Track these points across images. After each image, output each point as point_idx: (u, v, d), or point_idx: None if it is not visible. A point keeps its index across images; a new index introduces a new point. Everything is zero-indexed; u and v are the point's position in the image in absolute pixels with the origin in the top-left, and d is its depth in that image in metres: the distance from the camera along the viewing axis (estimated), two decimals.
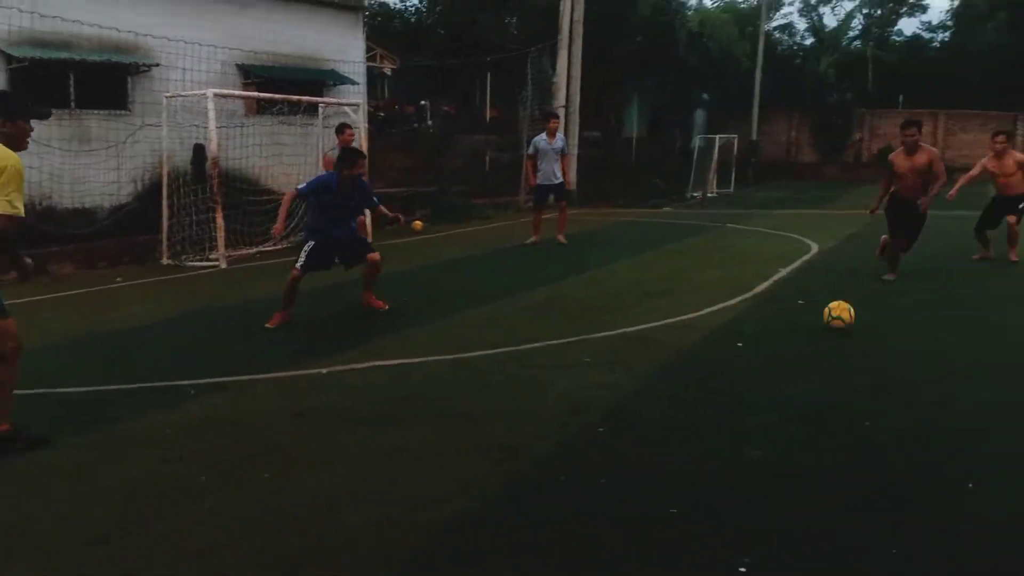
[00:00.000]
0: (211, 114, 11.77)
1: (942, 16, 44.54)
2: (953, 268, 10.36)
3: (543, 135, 13.14)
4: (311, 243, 7.70)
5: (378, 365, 6.09)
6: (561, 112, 21.79)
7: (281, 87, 14.84)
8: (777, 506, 3.70)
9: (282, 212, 7.76)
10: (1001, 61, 36.57)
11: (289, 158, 14.99)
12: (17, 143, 4.20)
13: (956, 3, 41.69)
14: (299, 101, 14.34)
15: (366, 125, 16.19)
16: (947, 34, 43.61)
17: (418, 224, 14.56)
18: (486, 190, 20.67)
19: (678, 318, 7.52)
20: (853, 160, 38.29)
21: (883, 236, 9.58)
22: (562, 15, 21.85)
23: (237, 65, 15.66)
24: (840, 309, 6.95)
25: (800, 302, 8.23)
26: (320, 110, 15.17)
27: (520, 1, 26.63)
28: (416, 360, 6.22)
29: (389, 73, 28.10)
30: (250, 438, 4.62)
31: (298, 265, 7.55)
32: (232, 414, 5.06)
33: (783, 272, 10.02)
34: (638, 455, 4.34)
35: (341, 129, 11.28)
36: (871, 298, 8.30)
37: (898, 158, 9.09)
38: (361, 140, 14.66)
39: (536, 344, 6.60)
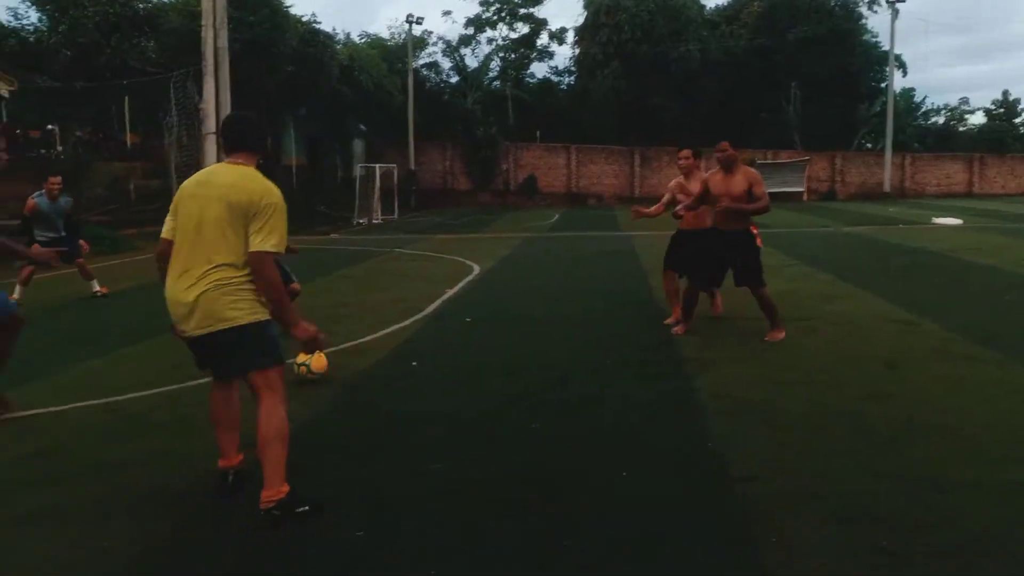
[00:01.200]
0: None
1: (567, 62, 49.76)
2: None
3: None
4: None
5: (12, 417, 5.28)
6: (213, 139, 20.83)
7: None
8: (459, 516, 3.77)
9: None
10: (617, 103, 41.67)
11: None
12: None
13: (577, 51, 46.80)
14: None
15: None
16: (572, 78, 48.78)
17: None
18: (133, 220, 19.08)
19: (353, 342, 7.48)
20: (503, 187, 41.20)
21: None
22: (205, 41, 20.90)
23: None
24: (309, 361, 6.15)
25: (468, 319, 8.60)
26: None
27: (155, 25, 25.00)
28: (58, 408, 5.50)
29: (7, 95, 24.92)
30: None
31: None
32: None
33: (450, 292, 10.42)
34: (322, 482, 4.19)
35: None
36: (530, 316, 8.91)
37: (714, 180, 7.44)
38: None
39: (200, 381, 6.12)
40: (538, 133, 43.11)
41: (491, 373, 6.45)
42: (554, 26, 49.94)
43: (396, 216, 28.75)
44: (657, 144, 41.33)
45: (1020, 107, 50.48)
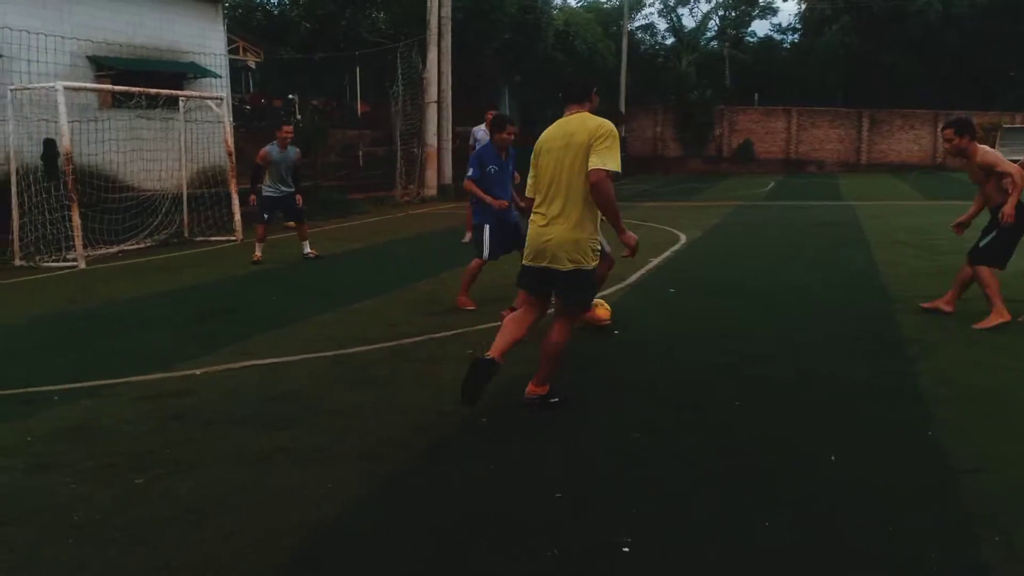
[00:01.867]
0: (61, 107, 11.07)
1: (791, 19, 47.21)
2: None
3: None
4: (487, 227, 7.49)
5: (254, 364, 5.89)
6: (434, 107, 21.77)
7: (138, 79, 14.16)
8: (657, 487, 3.79)
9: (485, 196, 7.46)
10: (845, 61, 39.00)
11: (150, 153, 14.33)
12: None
13: (803, 6, 44.20)
14: (157, 94, 13.68)
15: (230, 119, 15.66)
16: (796, 36, 46.21)
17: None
18: (361, 185, 20.41)
19: None
20: (716, 153, 39.95)
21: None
22: (429, 11, 21.81)
23: (88, 57, 14.89)
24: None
25: (671, 290, 8.51)
26: (181, 103, 14.55)
27: None
28: (293, 358, 6.06)
29: (253, 66, 27.23)
30: (120, 444, 4.38)
31: (485, 255, 7.50)
32: (99, 419, 4.78)
33: (654, 262, 10.35)
34: (524, 443, 4.37)
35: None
36: (737, 289, 8.68)
37: None
38: (225, 134, 14.19)
39: (418, 338, 6.55)
40: (756, 95, 41.25)
41: (692, 346, 6.38)
42: None
43: None
44: (889, 106, 38.30)
45: None
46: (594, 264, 4.58)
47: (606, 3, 44.39)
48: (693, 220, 15.53)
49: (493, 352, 4.66)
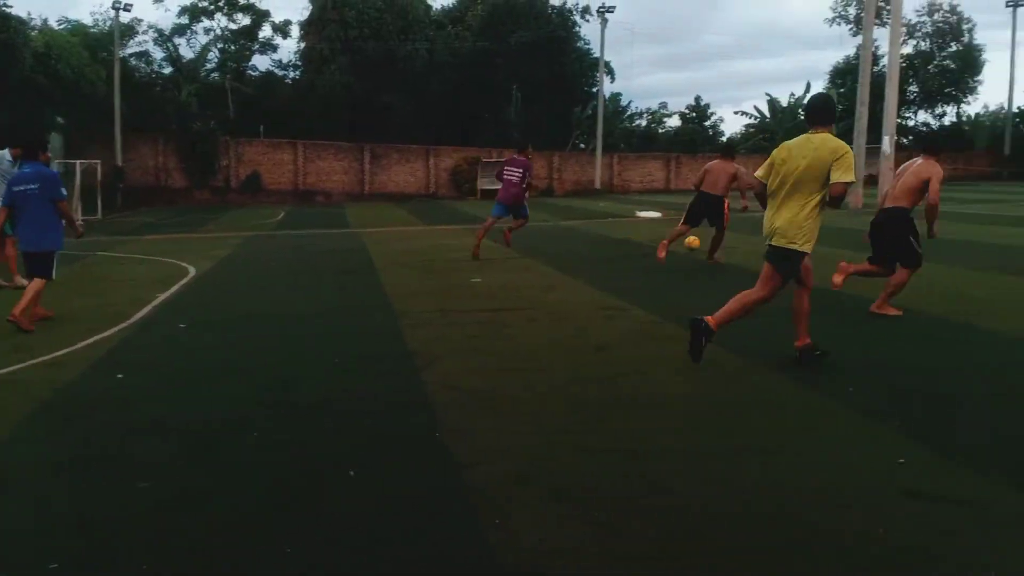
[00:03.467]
0: None
1: (292, 56, 48.32)
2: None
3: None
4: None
5: None
6: None
7: None
8: (172, 535, 3.53)
9: None
10: (344, 99, 41.19)
11: None
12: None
13: (303, 45, 45.61)
14: None
15: None
16: (297, 72, 47.47)
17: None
18: None
19: (50, 355, 6.72)
20: (224, 185, 39.14)
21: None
22: None
23: None
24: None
25: (182, 325, 8.07)
26: None
27: None
28: None
29: None
30: None
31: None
32: None
33: (162, 297, 9.72)
34: (16, 511, 3.74)
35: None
36: (253, 318, 8.54)
37: None
38: None
39: None
40: (261, 128, 41.40)
41: (207, 381, 6.09)
42: (278, 18, 48.19)
43: (100, 216, 26.36)
44: (387, 141, 41.43)
45: (709, 111, 56.35)
46: (804, 249, 5.81)
47: (93, 27, 40.65)
48: (203, 252, 14.96)
49: (711, 317, 5.81)
